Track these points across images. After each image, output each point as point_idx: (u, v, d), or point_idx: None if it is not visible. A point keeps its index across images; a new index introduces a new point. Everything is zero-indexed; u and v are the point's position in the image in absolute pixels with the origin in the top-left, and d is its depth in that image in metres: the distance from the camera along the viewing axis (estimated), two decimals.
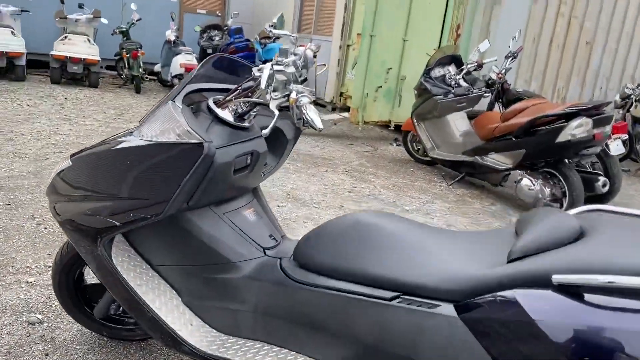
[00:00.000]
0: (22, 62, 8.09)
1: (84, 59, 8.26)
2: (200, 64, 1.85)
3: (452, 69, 5.65)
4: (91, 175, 1.76)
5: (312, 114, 1.54)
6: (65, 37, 8.46)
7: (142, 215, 1.65)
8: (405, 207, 4.50)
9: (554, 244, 1.38)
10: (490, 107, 6.11)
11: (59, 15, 8.86)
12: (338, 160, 5.80)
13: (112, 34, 9.37)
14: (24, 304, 2.44)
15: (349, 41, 8.18)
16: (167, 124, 1.62)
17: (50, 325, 2.32)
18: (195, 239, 1.77)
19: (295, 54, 1.90)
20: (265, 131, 1.57)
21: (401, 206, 4.52)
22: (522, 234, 1.49)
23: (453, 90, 5.45)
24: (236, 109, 1.78)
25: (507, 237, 1.61)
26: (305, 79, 1.98)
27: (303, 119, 1.56)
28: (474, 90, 5.58)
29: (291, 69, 1.68)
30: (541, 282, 1.29)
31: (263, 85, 1.51)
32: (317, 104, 9.27)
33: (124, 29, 9.39)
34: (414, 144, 6.14)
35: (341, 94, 8.65)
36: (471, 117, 5.73)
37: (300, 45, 2.02)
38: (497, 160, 4.96)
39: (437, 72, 5.62)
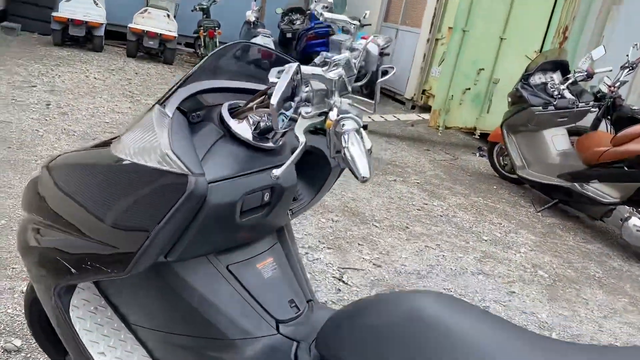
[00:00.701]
0: (101, 32, 7.98)
1: (161, 34, 8.04)
2: (216, 52, 1.32)
3: (556, 76, 4.84)
4: (54, 194, 1.30)
5: (356, 151, 0.96)
6: (145, 11, 8.28)
7: (101, 266, 1.16)
8: (483, 237, 3.81)
9: None
10: (596, 124, 5.22)
11: None
12: (410, 169, 5.16)
13: (192, 11, 9.12)
14: (8, 321, 2.05)
15: (439, 35, 7.46)
16: (146, 140, 1.11)
17: (27, 356, 1.91)
18: (181, 300, 1.25)
19: (352, 49, 1.34)
20: (277, 172, 1.01)
21: (477, 234, 3.84)
22: None
23: (555, 102, 4.64)
24: (258, 122, 1.24)
25: None
26: (373, 78, 1.41)
27: (343, 154, 0.99)
28: (580, 104, 4.74)
29: (335, 74, 1.11)
30: None
31: (274, 101, 0.95)
32: (396, 100, 8.61)
33: (205, 7, 9.11)
34: (501, 157, 5.38)
35: (423, 92, 7.96)
36: (572, 133, 4.91)
37: (363, 38, 1.45)
38: (600, 190, 4.15)
39: (537, 78, 4.83)
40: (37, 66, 6.22)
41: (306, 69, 1.05)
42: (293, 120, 1.12)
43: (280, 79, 0.98)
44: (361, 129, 1.03)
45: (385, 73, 1.35)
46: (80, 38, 7.88)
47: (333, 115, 1.04)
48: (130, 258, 1.10)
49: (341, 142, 1.00)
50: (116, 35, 9.01)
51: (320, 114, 1.10)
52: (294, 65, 1.00)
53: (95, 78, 6.24)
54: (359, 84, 1.40)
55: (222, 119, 1.24)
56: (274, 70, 1.03)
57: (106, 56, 7.88)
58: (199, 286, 1.25)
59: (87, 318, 1.32)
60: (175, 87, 1.18)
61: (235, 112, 1.27)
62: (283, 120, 1.03)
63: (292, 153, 1.10)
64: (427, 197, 4.43)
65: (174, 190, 1.05)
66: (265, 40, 8.24)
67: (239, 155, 1.20)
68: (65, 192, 1.26)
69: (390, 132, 6.46)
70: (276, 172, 1.00)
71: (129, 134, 1.17)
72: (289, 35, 8.96)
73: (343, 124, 1.01)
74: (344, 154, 0.98)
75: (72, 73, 6.23)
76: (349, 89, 1.20)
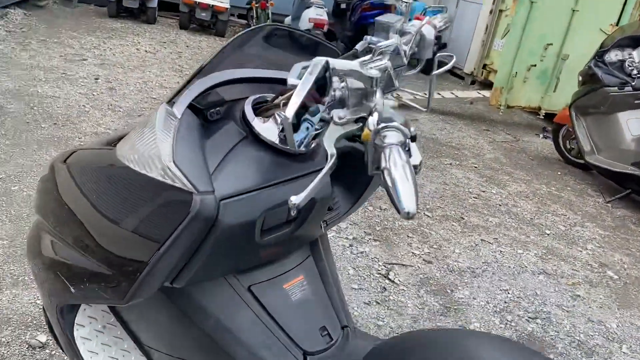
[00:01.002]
0: (154, 4, 7.92)
1: (213, 6, 7.90)
2: (240, 35, 1.13)
3: (635, 53, 4.36)
4: (64, 192, 1.15)
5: (399, 175, 0.74)
6: None
7: (99, 290, 1.00)
8: (546, 230, 3.50)
9: None
10: None
11: None
12: (467, 151, 4.84)
13: None
14: (36, 313, 1.98)
15: (502, 6, 6.97)
16: (147, 146, 0.93)
17: (51, 353, 1.82)
18: (194, 326, 1.09)
19: (402, 33, 1.11)
20: (296, 199, 0.80)
21: (539, 226, 3.54)
22: None
23: (633, 82, 4.20)
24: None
25: None
26: (427, 68, 1.19)
27: (382, 176, 0.77)
28: None
29: (377, 69, 0.88)
30: None
31: (289, 112, 0.74)
32: (454, 74, 8.17)
33: None
34: (568, 141, 4.97)
35: (484, 67, 7.51)
36: None
37: (417, 18, 1.22)
38: None
39: (613, 55, 4.37)
40: (90, 38, 6.21)
41: (340, 64, 0.83)
42: (325, 122, 0.91)
43: (301, 81, 0.76)
44: (409, 141, 0.81)
45: (442, 64, 1.12)
46: (134, 9, 7.85)
47: (372, 122, 0.82)
48: (130, 284, 0.94)
49: (381, 157, 0.79)
50: (169, 6, 8.95)
51: (357, 120, 0.89)
52: (321, 62, 0.78)
53: (146, 51, 6.18)
54: (411, 72, 1.18)
55: (244, 117, 1.04)
56: (296, 67, 0.81)
57: (159, 28, 7.83)
58: (215, 310, 1.08)
59: (93, 338, 1.19)
60: (185, 83, 1.00)
61: (260, 109, 1.07)
62: (308, 129, 0.82)
63: (327, 159, 0.89)
64: (485, 184, 4.13)
65: (177, 210, 0.87)
66: (318, 11, 7.97)
67: (262, 161, 1.01)
68: (72, 193, 1.11)
69: (447, 110, 6.12)
70: (295, 199, 0.79)
71: (132, 136, 1.00)
72: (343, 6, 8.64)
73: (385, 136, 0.79)
74: (384, 176, 0.76)
75: (123, 46, 6.20)
76: (396, 84, 0.98)
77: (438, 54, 1.14)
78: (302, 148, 0.97)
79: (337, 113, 0.87)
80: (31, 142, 3.30)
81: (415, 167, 0.82)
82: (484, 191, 3.97)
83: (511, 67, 5.70)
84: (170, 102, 0.98)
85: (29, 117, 3.67)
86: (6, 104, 3.80)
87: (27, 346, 1.83)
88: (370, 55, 1.02)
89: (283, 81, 1.17)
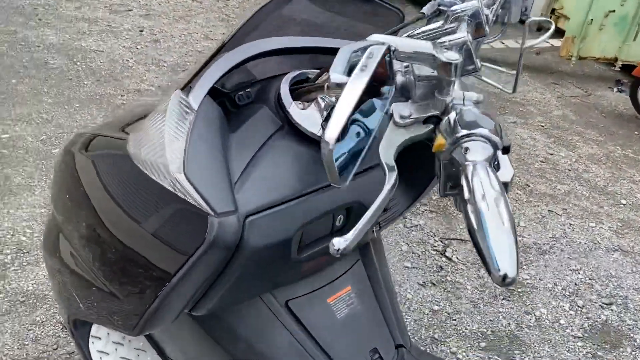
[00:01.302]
0: None
1: None
2: None
3: None
4: (86, 187, 0.99)
5: (490, 211, 0.51)
6: None
7: (108, 314, 0.85)
8: (621, 200, 3.17)
9: None
10: None
11: None
12: (533, 107, 4.46)
13: None
14: None
15: None
16: (157, 144, 0.74)
17: None
18: (222, 350, 0.93)
19: None
20: (339, 242, 0.56)
21: (614, 195, 3.20)
22: None
23: None
24: (332, 107, 0.82)
25: None
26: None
27: (462, 205, 0.55)
28: None
29: (453, 53, 0.63)
30: None
31: (330, 134, 0.52)
32: (519, 21, 7.55)
33: None
34: None
35: (552, 12, 6.87)
36: None
37: None
38: None
39: None
40: None
41: (405, 45, 0.60)
42: (387, 116, 0.68)
43: (350, 79, 0.54)
44: (498, 154, 0.58)
45: (535, 30, 0.86)
46: None
47: (448, 126, 0.59)
48: (141, 315, 0.78)
49: (461, 178, 0.56)
50: None
51: (425, 120, 0.65)
52: (379, 50, 0.55)
53: (192, 0, 5.96)
54: (490, 41, 0.93)
55: (280, 101, 0.83)
56: (343, 54, 0.57)
57: None
58: (246, 332, 0.91)
59: (112, 352, 1.05)
60: (206, 62, 0.79)
61: (299, 92, 0.86)
62: (358, 135, 0.60)
63: (380, 157, 0.67)
64: (553, 145, 3.78)
65: (191, 233, 0.68)
66: None
67: (300, 160, 0.80)
68: (94, 185, 0.94)
69: (512, 61, 5.64)
70: (337, 242, 0.57)
71: (144, 127, 0.81)
72: None
73: (466, 148, 0.56)
74: (465, 209, 0.54)
75: None
76: (478, 64, 0.73)
77: (529, 20, 0.89)
78: (348, 181, 0.62)
79: (398, 109, 0.64)
80: (73, 100, 3.20)
81: (505, 184, 0.59)
82: (551, 154, 3.63)
83: (586, 13, 5.14)
84: (187, 87, 0.78)
85: (72, 73, 3.57)
86: (50, 59, 3.70)
87: (61, 327, 1.75)
88: (442, 22, 0.79)
89: (331, 51, 0.94)
